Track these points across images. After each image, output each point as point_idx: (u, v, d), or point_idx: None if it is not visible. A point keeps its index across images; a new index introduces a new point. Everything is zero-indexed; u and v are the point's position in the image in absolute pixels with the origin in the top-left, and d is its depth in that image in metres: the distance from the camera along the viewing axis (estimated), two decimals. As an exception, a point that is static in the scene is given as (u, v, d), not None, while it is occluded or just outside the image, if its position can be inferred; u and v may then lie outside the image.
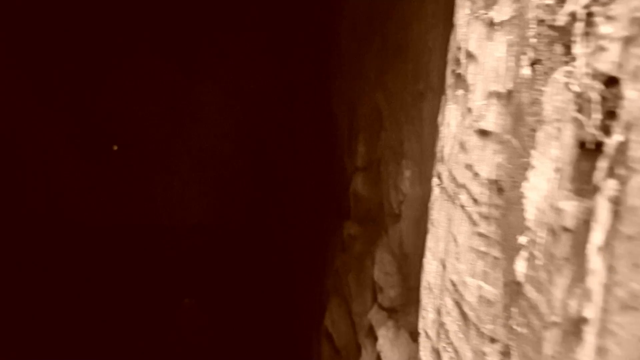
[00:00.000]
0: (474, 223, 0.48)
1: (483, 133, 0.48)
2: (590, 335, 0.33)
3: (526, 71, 0.42)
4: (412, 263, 1.18)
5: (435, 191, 0.57)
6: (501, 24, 0.46)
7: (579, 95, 0.35)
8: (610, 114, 0.32)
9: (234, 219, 4.03)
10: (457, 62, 0.56)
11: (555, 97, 0.38)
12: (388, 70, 1.35)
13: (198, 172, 4.21)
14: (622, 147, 0.31)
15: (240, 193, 4.11)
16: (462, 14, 0.55)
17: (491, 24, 0.48)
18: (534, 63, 0.41)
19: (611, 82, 0.32)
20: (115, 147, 4.15)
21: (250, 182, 4.07)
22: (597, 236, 0.32)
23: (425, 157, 1.11)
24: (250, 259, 3.79)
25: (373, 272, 1.54)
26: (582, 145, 0.35)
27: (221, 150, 4.18)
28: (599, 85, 0.33)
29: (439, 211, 0.55)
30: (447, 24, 1.05)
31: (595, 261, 0.32)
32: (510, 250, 0.43)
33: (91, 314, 3.44)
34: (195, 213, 4.16)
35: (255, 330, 3.35)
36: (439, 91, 1.07)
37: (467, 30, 0.53)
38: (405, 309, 1.25)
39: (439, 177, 0.56)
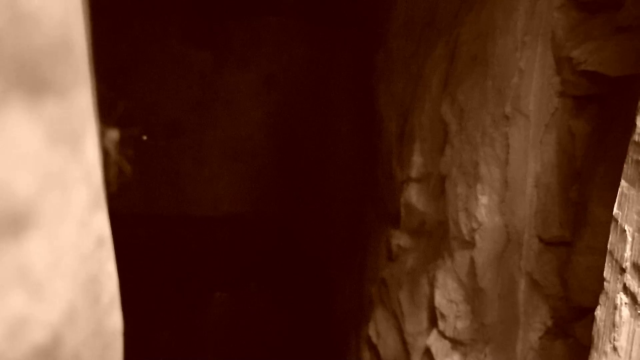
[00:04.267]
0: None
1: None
2: None
3: None
4: (488, 299, 1.07)
5: (624, 312, 0.45)
6: None
7: None
8: None
9: (266, 210, 3.95)
10: None
11: None
12: (458, 82, 1.21)
13: (229, 162, 4.12)
14: None
15: (272, 184, 4.02)
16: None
17: None
18: None
19: None
20: (145, 137, 4.09)
21: (282, 173, 3.97)
22: None
23: (511, 187, 0.98)
24: (282, 251, 3.71)
25: (431, 294, 1.43)
26: None
27: (253, 140, 4.07)
28: None
29: (628, 337, 0.43)
30: (547, 45, 0.91)
31: None
32: None
33: (122, 306, 3.42)
34: (226, 203, 4.09)
35: (287, 323, 3.29)
36: (535, 119, 0.93)
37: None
38: (475, 345, 1.14)
39: (629, 294, 0.44)
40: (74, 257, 0.25)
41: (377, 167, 2.17)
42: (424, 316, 1.49)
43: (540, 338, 0.93)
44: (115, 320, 0.29)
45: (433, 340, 1.33)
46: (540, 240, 0.91)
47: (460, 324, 1.20)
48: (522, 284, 0.95)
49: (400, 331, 1.65)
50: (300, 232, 3.65)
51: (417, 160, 1.53)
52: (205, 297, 3.47)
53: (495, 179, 1.04)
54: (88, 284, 0.25)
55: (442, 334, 1.29)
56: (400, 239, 1.77)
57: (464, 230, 1.18)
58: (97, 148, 0.27)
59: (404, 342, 1.61)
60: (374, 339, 1.89)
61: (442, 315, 1.29)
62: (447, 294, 1.28)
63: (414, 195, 1.58)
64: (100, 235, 0.27)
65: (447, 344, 1.26)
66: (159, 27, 3.89)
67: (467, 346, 1.17)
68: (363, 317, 2.14)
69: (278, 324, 3.27)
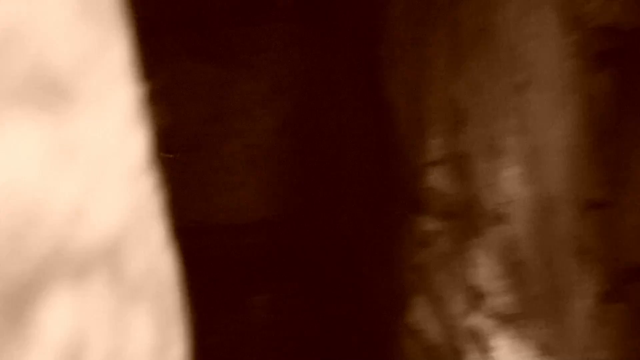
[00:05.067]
0: None
1: None
2: None
3: None
4: (530, 271, 1.03)
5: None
6: None
7: None
8: None
9: (291, 213, 3.95)
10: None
11: None
12: (467, 59, 1.17)
13: (250, 169, 4.13)
14: None
15: (294, 187, 4.01)
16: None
17: None
18: None
19: None
20: (170, 156, 4.12)
21: (303, 175, 3.96)
22: None
23: (537, 155, 0.94)
24: (311, 251, 3.70)
25: (468, 274, 1.40)
26: None
27: (270, 146, 4.07)
28: None
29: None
30: (556, 5, 0.87)
31: None
32: None
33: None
34: (252, 210, 4.10)
35: (324, 320, 3.28)
36: (553, 83, 0.89)
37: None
38: (524, 319, 1.10)
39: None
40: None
41: (394, 157, 2.14)
42: (464, 297, 1.46)
43: (594, 304, 0.89)
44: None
45: (478, 320, 1.30)
46: (579, 203, 0.87)
47: (504, 300, 1.16)
48: (566, 251, 0.91)
49: (441, 316, 1.61)
50: (330, 230, 3.63)
51: (434, 143, 1.50)
52: (246, 301, 3.48)
53: (519, 149, 1.00)
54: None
55: (486, 313, 1.26)
56: (428, 225, 1.73)
57: (494, 206, 1.14)
58: None
59: (446, 326, 1.58)
60: (415, 327, 1.86)
61: (484, 294, 1.26)
62: (485, 271, 1.24)
63: (436, 178, 1.54)
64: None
65: (493, 321, 1.22)
66: (167, 46, 3.92)
67: (515, 321, 1.14)
68: (400, 306, 2.11)
69: (316, 321, 3.27)
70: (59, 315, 0.19)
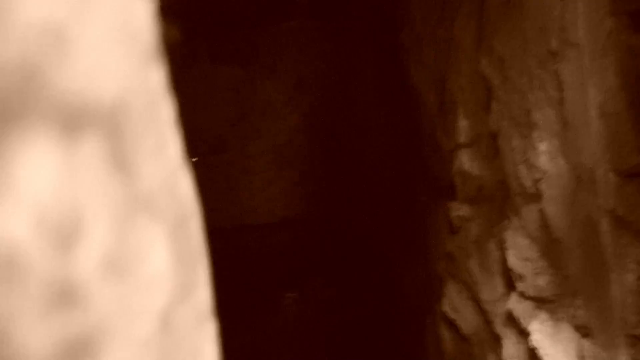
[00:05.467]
0: None
1: None
2: None
3: None
4: (567, 249, 0.98)
5: None
6: None
7: None
8: None
9: (319, 209, 3.94)
10: None
11: None
12: (493, 33, 1.14)
13: (276, 168, 4.14)
14: None
15: (320, 183, 4.01)
16: None
17: None
18: None
19: None
20: (195, 159, 4.16)
21: (328, 170, 3.94)
22: None
23: (571, 126, 0.90)
24: (341, 246, 3.68)
25: (502, 257, 1.35)
26: None
27: (294, 144, 4.07)
28: None
29: None
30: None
31: None
32: None
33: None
34: (280, 208, 4.11)
35: (356, 314, 3.25)
36: (587, 47, 0.85)
37: None
38: (562, 300, 1.06)
39: None
40: None
41: (421, 143, 2.10)
42: (499, 281, 1.41)
43: (635, 278, 0.84)
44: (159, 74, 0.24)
45: (514, 303, 1.25)
46: (618, 173, 0.83)
47: (540, 281, 1.12)
48: (605, 224, 0.87)
49: (477, 301, 1.57)
50: (356, 225, 3.60)
51: (463, 125, 1.46)
52: (277, 299, 3.49)
53: (552, 121, 0.96)
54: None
55: (522, 295, 1.21)
56: (459, 210, 1.69)
57: (527, 183, 1.10)
58: None
59: (482, 312, 1.53)
60: (451, 315, 1.82)
61: (519, 276, 1.21)
62: (519, 253, 1.20)
63: (466, 161, 1.50)
64: None
65: (530, 304, 1.18)
66: (188, 51, 3.97)
67: (553, 302, 1.09)
68: (434, 295, 2.07)
69: (349, 315, 3.24)
70: (42, 173, 0.17)
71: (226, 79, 4.11)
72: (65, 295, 0.18)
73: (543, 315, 1.12)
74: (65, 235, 0.17)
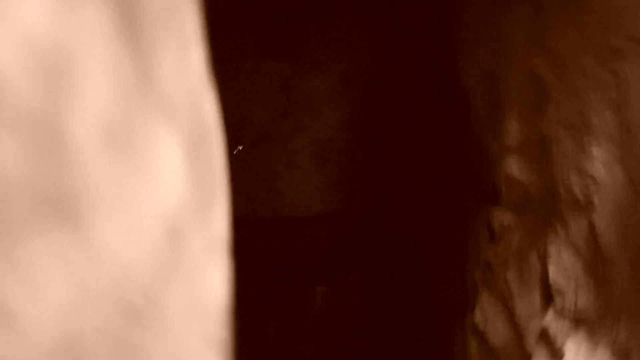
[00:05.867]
0: None
1: None
2: None
3: None
4: (616, 267, 0.90)
5: None
6: None
7: None
8: None
9: (357, 206, 3.89)
10: None
11: None
12: (550, 29, 1.05)
13: (317, 163, 4.13)
14: None
15: (360, 180, 3.96)
16: None
17: None
18: None
19: None
20: (240, 147, 4.21)
21: (369, 168, 3.89)
22: None
23: (632, 131, 0.82)
24: (376, 244, 3.62)
25: (544, 271, 1.27)
26: None
27: (338, 140, 4.04)
28: None
29: None
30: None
31: None
32: None
33: (231, 305, 3.52)
34: (318, 203, 4.09)
35: (387, 314, 3.19)
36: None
37: None
38: (603, 322, 0.97)
39: None
40: None
41: (468, 147, 2.01)
42: (536, 296, 1.32)
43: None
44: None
45: (550, 321, 1.17)
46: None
47: (582, 300, 1.03)
48: (661, 242, 0.78)
49: (511, 315, 1.48)
50: (393, 225, 3.53)
51: (512, 127, 1.37)
52: (307, 292, 3.48)
53: (610, 126, 0.88)
54: None
55: (560, 313, 1.13)
56: (502, 218, 1.60)
57: (577, 192, 1.02)
58: None
59: (515, 326, 1.45)
60: (481, 326, 1.73)
61: (559, 292, 1.13)
62: (563, 267, 1.11)
63: (513, 166, 1.42)
64: None
65: (567, 323, 1.09)
66: (236, 45, 4.01)
67: (593, 323, 1.00)
68: (467, 304, 1.98)
69: (378, 315, 3.18)
70: (35, 3, 0.16)
71: (272, 73, 4.13)
72: (53, 142, 0.17)
73: (580, 336, 1.03)
74: (57, 74, 0.17)
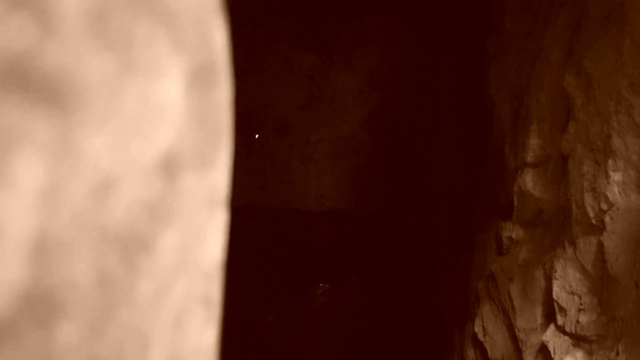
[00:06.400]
0: None
1: None
2: None
3: None
4: (622, 288, 0.91)
5: None
6: None
7: None
8: None
9: (368, 207, 3.91)
10: None
11: None
12: (585, 48, 1.07)
13: (334, 159, 4.15)
14: None
15: (375, 181, 3.97)
16: None
17: None
18: None
19: None
20: (257, 136, 4.24)
21: (385, 170, 3.90)
22: None
23: (653, 158, 0.83)
24: (384, 247, 3.64)
25: (547, 287, 1.28)
26: None
27: (357, 138, 4.06)
28: None
29: None
30: None
31: None
32: None
33: (224, 295, 3.56)
34: (330, 199, 4.11)
35: (387, 318, 3.20)
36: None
37: None
38: (603, 342, 0.98)
39: None
40: None
41: (486, 158, 2.02)
42: (538, 311, 1.34)
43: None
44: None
45: (550, 336, 1.18)
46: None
47: (584, 318, 1.05)
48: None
49: (511, 327, 1.50)
50: (402, 228, 3.55)
51: (534, 143, 1.39)
52: (309, 287, 3.50)
53: (633, 151, 0.89)
54: None
55: (561, 330, 1.14)
56: (512, 231, 1.62)
57: (591, 213, 1.03)
58: None
59: (514, 339, 1.46)
60: (480, 336, 1.75)
61: (562, 309, 1.14)
62: (567, 285, 1.13)
63: (529, 182, 1.43)
64: None
65: (567, 340, 1.11)
66: (270, 32, 4.04)
67: (593, 343, 1.02)
68: (468, 313, 2.00)
69: (378, 317, 3.20)
70: None
71: (301, 64, 4.15)
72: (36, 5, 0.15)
73: (579, 354, 1.05)
74: None
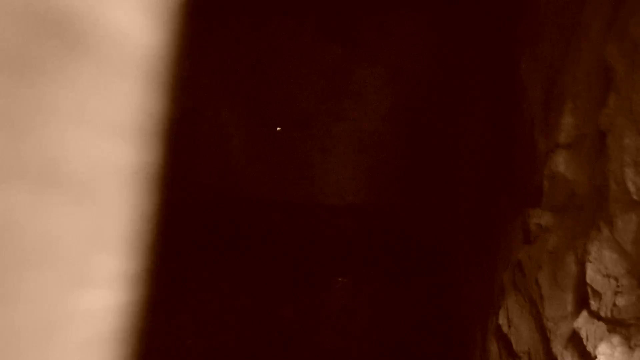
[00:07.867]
0: None
1: None
2: None
3: None
4: (666, 266, 0.85)
5: None
6: None
7: None
8: None
9: (389, 201, 3.85)
10: None
11: None
12: (631, 14, 1.00)
13: (355, 153, 4.10)
14: None
15: (396, 175, 3.91)
16: None
17: None
18: None
19: None
20: (279, 129, 4.22)
21: (407, 164, 3.83)
22: None
23: None
24: (404, 241, 3.57)
25: (580, 272, 1.21)
26: None
27: (379, 132, 4.00)
28: None
29: None
30: None
31: None
32: None
33: (244, 287, 3.54)
34: (351, 193, 4.06)
35: (408, 312, 3.14)
36: None
37: None
38: (643, 325, 0.92)
39: None
40: None
41: (514, 146, 1.95)
42: (569, 299, 1.27)
43: None
44: None
45: (583, 323, 1.12)
46: None
47: (621, 301, 0.98)
48: None
49: (538, 317, 1.43)
50: (424, 222, 3.48)
51: (568, 122, 1.32)
52: (328, 281, 3.46)
53: (682, 117, 0.83)
54: None
55: (595, 315, 1.08)
56: (541, 218, 1.55)
57: (632, 188, 0.96)
58: None
59: (542, 329, 1.39)
60: (505, 329, 1.68)
61: (596, 293, 1.07)
62: (603, 267, 1.06)
63: (562, 163, 1.36)
64: None
65: (602, 326, 1.04)
66: (295, 23, 4.01)
67: (631, 327, 0.95)
68: (491, 306, 1.93)
69: (398, 312, 3.14)
70: None
71: (325, 57, 4.11)
72: None
73: (615, 340, 0.98)
74: None
